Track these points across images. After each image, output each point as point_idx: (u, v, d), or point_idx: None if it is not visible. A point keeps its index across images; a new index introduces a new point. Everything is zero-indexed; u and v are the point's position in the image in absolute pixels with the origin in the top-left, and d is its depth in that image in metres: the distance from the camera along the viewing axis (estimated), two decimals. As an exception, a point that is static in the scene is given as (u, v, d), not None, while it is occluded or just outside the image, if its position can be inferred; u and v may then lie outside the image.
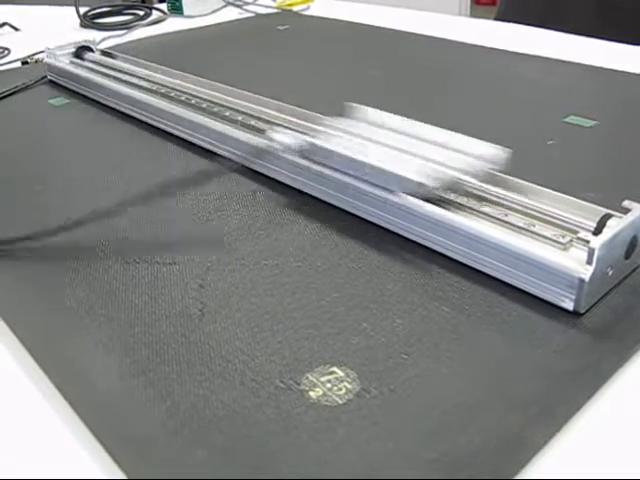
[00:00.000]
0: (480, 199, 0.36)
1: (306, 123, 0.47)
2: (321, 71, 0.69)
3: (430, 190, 0.35)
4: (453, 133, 0.39)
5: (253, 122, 0.48)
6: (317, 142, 0.39)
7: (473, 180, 0.36)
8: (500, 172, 0.37)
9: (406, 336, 0.29)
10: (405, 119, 0.41)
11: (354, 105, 0.43)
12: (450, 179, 0.35)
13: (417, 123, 0.41)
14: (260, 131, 0.47)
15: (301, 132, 0.43)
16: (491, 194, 0.37)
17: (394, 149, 0.38)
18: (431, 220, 0.34)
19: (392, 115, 0.42)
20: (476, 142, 0.38)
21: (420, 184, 0.34)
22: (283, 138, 0.40)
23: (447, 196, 0.36)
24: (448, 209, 0.34)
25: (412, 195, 0.35)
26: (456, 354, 0.28)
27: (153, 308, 0.31)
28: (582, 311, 0.30)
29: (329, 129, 0.41)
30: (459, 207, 0.36)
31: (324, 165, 0.38)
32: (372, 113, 0.42)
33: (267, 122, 0.48)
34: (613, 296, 0.31)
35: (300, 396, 0.26)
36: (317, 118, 0.47)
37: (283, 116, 0.49)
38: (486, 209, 0.35)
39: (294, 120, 0.48)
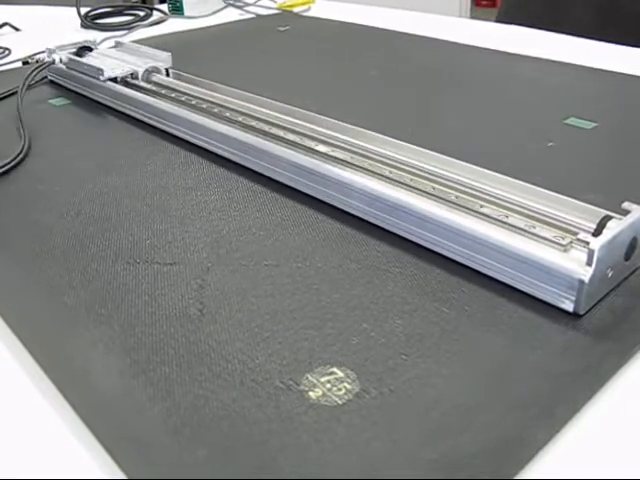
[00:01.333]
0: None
1: (305, 124, 0.47)
2: (321, 72, 0.69)
3: (116, 76, 0.58)
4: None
5: (254, 123, 0.49)
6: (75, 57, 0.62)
7: (141, 70, 0.59)
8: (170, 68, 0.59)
9: (406, 337, 0.29)
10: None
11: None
12: (128, 70, 0.59)
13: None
14: (260, 132, 0.47)
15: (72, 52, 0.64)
16: (491, 195, 0.37)
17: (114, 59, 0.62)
18: (432, 221, 0.34)
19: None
20: (156, 50, 0.62)
21: (101, 70, 0.57)
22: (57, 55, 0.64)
23: (133, 81, 0.59)
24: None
25: (112, 81, 0.58)
26: (456, 355, 0.28)
27: (153, 308, 0.32)
28: (582, 312, 0.30)
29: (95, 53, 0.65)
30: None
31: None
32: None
33: (267, 123, 0.49)
34: (613, 297, 0.31)
35: (300, 396, 0.26)
36: (316, 119, 0.47)
37: (283, 116, 0.49)
38: (486, 210, 0.35)
39: (294, 121, 0.48)
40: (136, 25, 0.95)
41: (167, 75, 0.62)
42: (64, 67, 0.64)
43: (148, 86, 0.58)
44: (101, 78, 0.58)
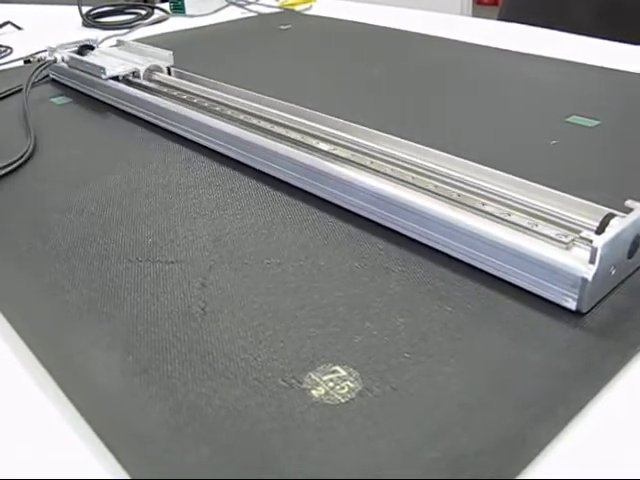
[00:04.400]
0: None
1: (307, 122, 0.47)
2: (323, 70, 0.69)
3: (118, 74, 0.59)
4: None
5: (255, 121, 0.48)
6: (75, 56, 0.64)
7: (143, 68, 0.60)
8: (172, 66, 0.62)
9: (409, 335, 0.29)
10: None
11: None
12: (130, 68, 0.60)
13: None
14: (262, 130, 0.47)
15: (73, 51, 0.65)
16: (493, 193, 0.37)
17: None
18: (434, 219, 0.34)
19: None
20: (157, 49, 0.63)
21: (103, 69, 0.58)
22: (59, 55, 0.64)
23: (135, 80, 0.59)
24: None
25: (114, 79, 0.58)
26: (458, 353, 0.28)
27: (155, 306, 0.31)
28: (584, 310, 0.30)
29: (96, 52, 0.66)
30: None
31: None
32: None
33: (269, 121, 0.48)
34: (616, 295, 0.31)
35: (302, 395, 0.26)
36: (318, 117, 0.47)
37: (285, 115, 0.49)
38: (489, 208, 0.35)
39: (295, 119, 0.48)
40: (137, 24, 0.95)
41: (169, 73, 0.61)
42: (66, 66, 0.64)
43: (150, 84, 0.58)
44: (103, 77, 0.58)
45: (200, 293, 0.32)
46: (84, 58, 0.62)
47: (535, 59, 0.69)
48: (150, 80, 0.60)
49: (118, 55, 0.65)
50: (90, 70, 0.60)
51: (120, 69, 0.59)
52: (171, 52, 0.62)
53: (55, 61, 0.64)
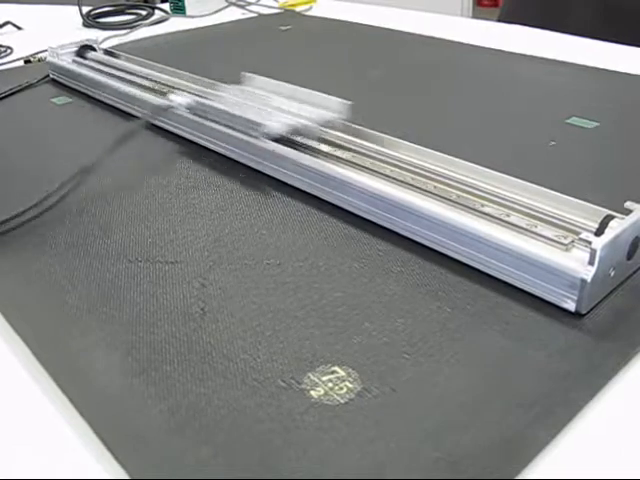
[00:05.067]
0: (338, 147, 0.44)
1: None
2: (323, 71, 0.69)
3: (279, 133, 0.44)
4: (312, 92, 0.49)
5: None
6: (205, 101, 0.49)
7: (315, 125, 0.45)
8: (346, 121, 0.46)
9: (408, 336, 0.29)
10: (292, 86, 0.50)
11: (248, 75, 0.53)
12: (297, 125, 0.45)
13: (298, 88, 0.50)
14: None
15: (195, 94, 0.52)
16: (492, 194, 0.37)
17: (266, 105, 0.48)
18: (433, 220, 0.34)
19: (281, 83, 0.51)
20: (326, 96, 0.47)
21: (265, 126, 0.43)
22: (178, 98, 0.50)
23: (300, 140, 0.45)
24: (304, 152, 0.42)
25: (269, 138, 0.43)
26: (458, 354, 0.28)
27: (155, 307, 0.32)
28: (584, 312, 0.30)
29: (224, 92, 0.51)
30: (313, 150, 0.43)
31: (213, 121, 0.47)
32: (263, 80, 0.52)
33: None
34: (615, 297, 0.31)
35: (301, 395, 0.26)
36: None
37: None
38: (488, 209, 0.35)
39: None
40: (138, 24, 0.95)
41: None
42: (187, 114, 0.50)
43: (148, 84, 0.58)
44: (253, 134, 0.44)
45: (200, 293, 0.32)
46: (227, 109, 0.46)
47: (535, 60, 0.69)
48: (149, 79, 0.60)
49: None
50: (242, 128, 0.45)
51: (278, 126, 0.43)
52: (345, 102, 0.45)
53: (171, 108, 0.49)
